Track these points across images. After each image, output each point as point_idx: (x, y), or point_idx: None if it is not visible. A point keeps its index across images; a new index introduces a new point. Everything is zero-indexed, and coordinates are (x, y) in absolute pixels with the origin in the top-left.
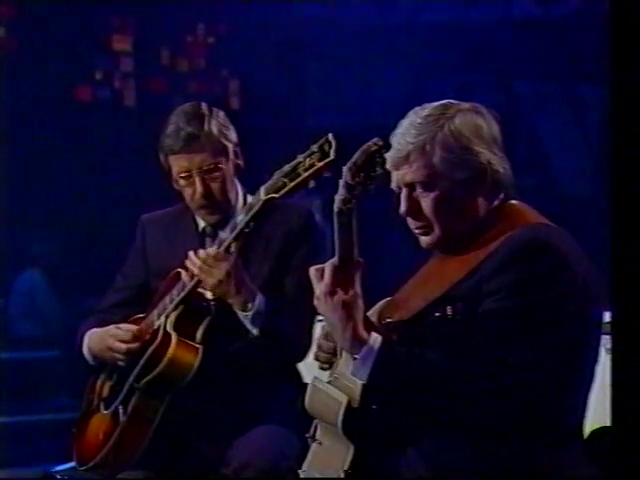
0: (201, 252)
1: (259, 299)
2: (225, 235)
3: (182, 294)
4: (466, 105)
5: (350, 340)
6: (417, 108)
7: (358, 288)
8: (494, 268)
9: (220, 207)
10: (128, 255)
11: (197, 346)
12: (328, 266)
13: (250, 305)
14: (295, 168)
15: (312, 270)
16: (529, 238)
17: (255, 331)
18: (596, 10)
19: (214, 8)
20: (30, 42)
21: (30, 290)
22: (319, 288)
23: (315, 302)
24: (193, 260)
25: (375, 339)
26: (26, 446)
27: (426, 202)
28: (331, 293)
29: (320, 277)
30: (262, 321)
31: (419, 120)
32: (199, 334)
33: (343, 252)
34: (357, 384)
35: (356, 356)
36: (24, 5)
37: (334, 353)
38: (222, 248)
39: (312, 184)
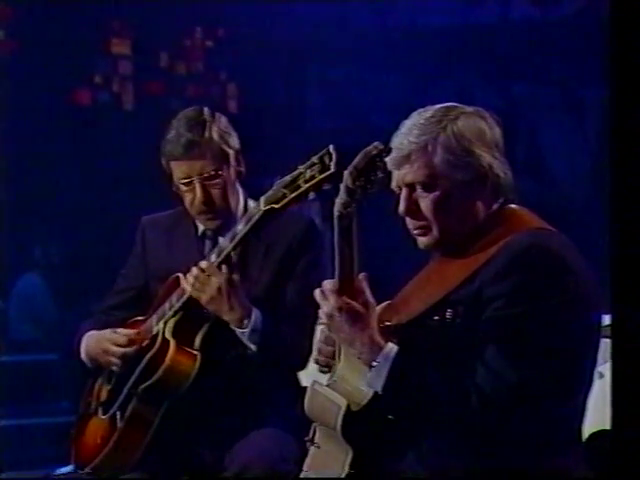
0: (194, 269)
1: (255, 315)
2: (224, 244)
3: (181, 301)
4: (469, 108)
5: (369, 349)
6: (420, 109)
7: (370, 297)
8: (494, 273)
9: (220, 213)
10: (128, 257)
11: (195, 353)
12: (329, 283)
13: (246, 322)
14: (295, 179)
15: (317, 292)
16: (529, 243)
17: (253, 347)
18: (596, 12)
19: (212, 12)
20: (29, 45)
21: (30, 293)
22: (327, 307)
23: (326, 322)
24: (187, 277)
25: (391, 348)
26: (26, 449)
27: (425, 202)
28: (341, 308)
29: (325, 296)
30: (259, 338)
31: (422, 121)
32: (198, 340)
33: (343, 255)
34: (361, 391)
35: (374, 364)
36: (23, 8)
37: (333, 357)
38: (217, 261)
39: (312, 196)
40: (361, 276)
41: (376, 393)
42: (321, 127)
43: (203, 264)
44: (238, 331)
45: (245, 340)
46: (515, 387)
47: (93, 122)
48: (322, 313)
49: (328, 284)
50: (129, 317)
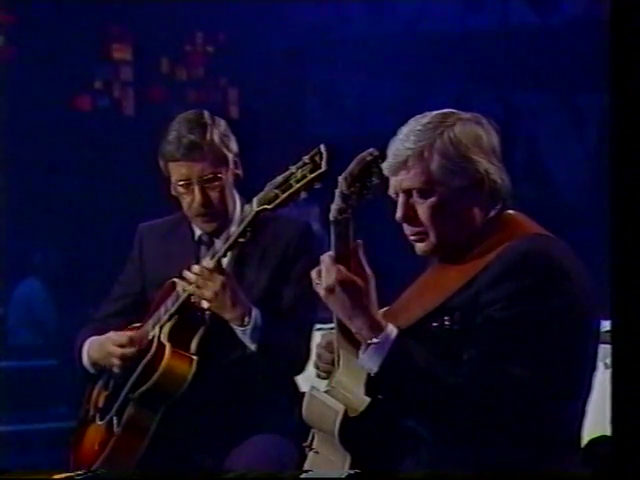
0: (196, 267)
1: (255, 313)
2: (219, 245)
3: (176, 305)
4: (466, 115)
5: (368, 325)
6: (417, 116)
7: (368, 270)
8: (492, 279)
9: (218, 216)
10: (125, 264)
11: (191, 357)
12: (327, 258)
13: (247, 319)
14: (287, 179)
15: (313, 272)
16: (527, 249)
17: (253, 347)
18: (596, 18)
19: (213, 17)
20: (30, 51)
21: (29, 299)
22: (326, 281)
23: (323, 296)
24: (188, 276)
25: (392, 329)
26: (25, 454)
27: (422, 208)
28: (341, 282)
29: (325, 269)
30: (260, 336)
31: (419, 127)
32: (194, 344)
33: (339, 261)
34: (359, 398)
35: (371, 342)
36: (24, 13)
37: (333, 363)
38: (215, 259)
39: (304, 195)
40: (358, 244)
41: (373, 400)
42: (320, 132)
43: (205, 263)
44: (239, 330)
45: (246, 339)
46: (509, 389)
47: (94, 128)
48: (321, 288)
49: (327, 258)
50: (127, 324)
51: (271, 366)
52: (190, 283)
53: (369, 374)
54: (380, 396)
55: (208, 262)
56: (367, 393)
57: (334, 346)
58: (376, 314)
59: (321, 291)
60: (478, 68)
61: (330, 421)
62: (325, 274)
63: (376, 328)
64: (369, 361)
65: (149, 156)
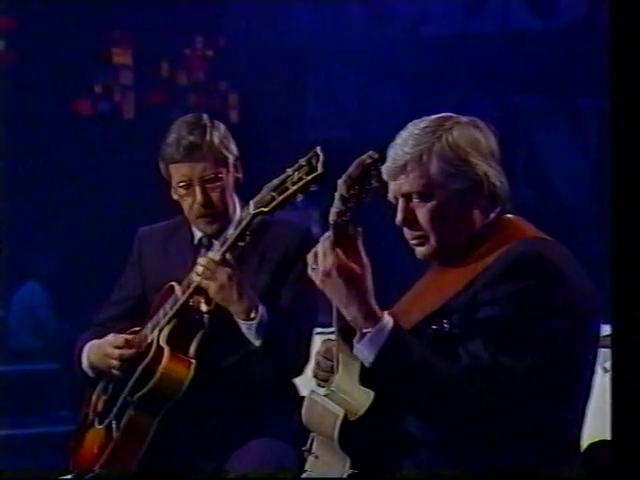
0: (203, 258)
1: (262, 308)
2: (217, 248)
3: (175, 308)
4: (464, 118)
5: (364, 314)
6: (415, 120)
7: (365, 258)
8: (490, 281)
9: (218, 217)
10: (125, 268)
11: (190, 360)
12: (325, 242)
13: (254, 314)
14: (284, 182)
15: (309, 255)
16: (525, 252)
17: (258, 342)
18: (595, 22)
19: (213, 21)
20: (30, 55)
21: (30, 303)
22: (323, 266)
23: (319, 280)
24: (195, 268)
25: (388, 320)
26: (25, 458)
27: (422, 212)
28: (339, 268)
29: (319, 256)
30: (265, 331)
31: (417, 131)
32: (192, 348)
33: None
34: (359, 401)
35: (366, 331)
36: (24, 18)
37: (332, 371)
38: (220, 252)
39: (300, 198)
40: (358, 232)
41: (373, 403)
42: (320, 137)
43: (212, 254)
44: (244, 324)
45: (251, 334)
46: (508, 393)
47: (94, 132)
48: (317, 272)
49: (323, 243)
50: (127, 328)
51: (272, 364)
52: (197, 275)
53: (363, 363)
54: (375, 388)
55: (215, 254)
56: (362, 383)
57: (333, 353)
58: (372, 303)
59: (317, 276)
60: (478, 72)
61: (330, 425)
62: (322, 258)
63: (371, 317)
64: (364, 351)
65: (149, 160)
